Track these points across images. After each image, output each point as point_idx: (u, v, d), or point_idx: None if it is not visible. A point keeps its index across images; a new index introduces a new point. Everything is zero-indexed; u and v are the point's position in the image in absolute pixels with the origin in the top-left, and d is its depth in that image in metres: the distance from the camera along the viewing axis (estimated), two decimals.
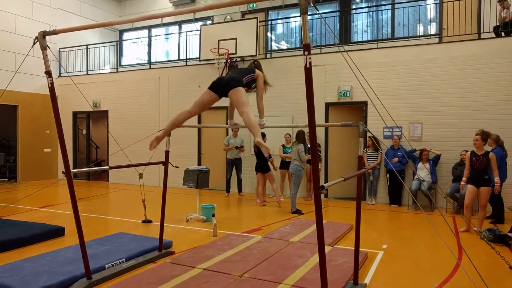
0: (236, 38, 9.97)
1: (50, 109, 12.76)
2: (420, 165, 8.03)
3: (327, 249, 4.97)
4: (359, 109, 9.13)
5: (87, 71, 12.77)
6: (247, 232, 6.05)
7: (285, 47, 11.81)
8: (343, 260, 4.53)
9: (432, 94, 8.33)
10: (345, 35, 10.85)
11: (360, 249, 4.96)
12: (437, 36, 9.65)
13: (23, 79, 12.00)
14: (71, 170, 3.75)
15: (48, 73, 3.56)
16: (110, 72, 12.69)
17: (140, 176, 5.85)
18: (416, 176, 8.01)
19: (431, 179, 7.87)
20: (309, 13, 11.87)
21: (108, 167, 4.61)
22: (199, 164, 10.61)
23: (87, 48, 12.77)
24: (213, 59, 10.05)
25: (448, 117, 8.20)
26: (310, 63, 2.55)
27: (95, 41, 13.59)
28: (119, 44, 13.90)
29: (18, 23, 11.83)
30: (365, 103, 8.89)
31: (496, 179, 5.92)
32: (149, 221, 6.66)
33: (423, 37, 9.83)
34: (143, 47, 13.93)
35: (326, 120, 9.30)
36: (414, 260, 4.77)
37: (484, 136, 6.03)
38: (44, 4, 12.58)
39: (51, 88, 3.60)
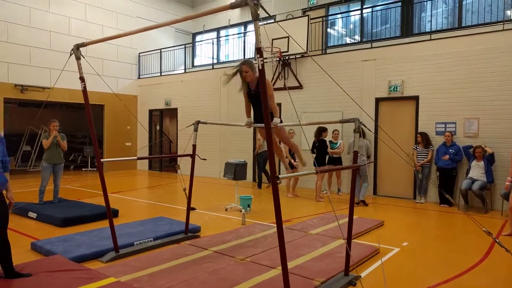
0: (288, 37, 10.21)
1: (130, 108, 14.41)
2: (474, 163, 7.49)
3: (340, 242, 5.08)
4: (410, 104, 8.74)
5: (161, 72, 14.09)
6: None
7: (341, 43, 11.70)
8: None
9: (492, 87, 7.67)
10: (406, 27, 10.41)
11: (373, 244, 5.04)
12: (510, 21, 8.76)
13: (108, 81, 13.70)
14: (101, 160, 4.46)
15: (81, 79, 4.28)
16: (179, 73, 13.80)
17: (178, 167, 6.52)
18: (469, 175, 7.51)
19: (486, 179, 7.30)
20: (357, 7, 11.55)
21: (136, 157, 5.29)
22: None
23: (160, 52, 14.08)
24: (267, 58, 10.43)
25: (509, 111, 7.50)
26: (262, 65, 2.82)
27: (170, 44, 14.93)
28: (191, 46, 15.05)
29: (105, 33, 13.52)
30: (416, 98, 8.51)
31: None
32: (193, 209, 7.33)
33: (495, 24, 8.95)
34: (211, 49, 14.90)
35: (376, 116, 9.09)
36: (426, 260, 4.65)
37: None
38: (125, 14, 14.18)
39: (84, 91, 4.31)
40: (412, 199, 8.51)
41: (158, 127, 14.52)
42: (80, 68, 4.30)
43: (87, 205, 7.16)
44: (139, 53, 14.67)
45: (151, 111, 14.46)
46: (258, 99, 3.97)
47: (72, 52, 4.24)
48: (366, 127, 4.05)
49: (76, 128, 15.91)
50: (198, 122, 5.44)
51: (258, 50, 2.77)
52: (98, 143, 14.31)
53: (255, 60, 4.29)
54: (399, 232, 5.89)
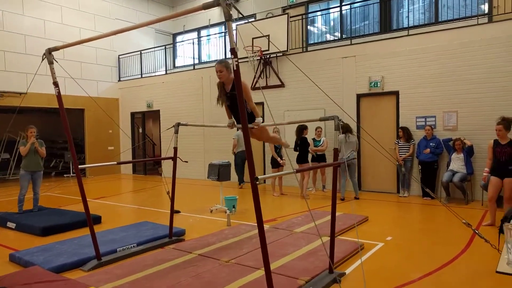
0: (268, 35, 10.19)
1: (112, 111, 14.20)
2: (454, 155, 7.61)
3: (324, 239, 5.08)
4: (391, 99, 8.81)
5: (141, 74, 13.91)
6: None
7: (322, 40, 11.73)
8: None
9: (469, 81, 7.81)
10: (385, 23, 10.50)
11: (357, 240, 5.06)
12: (487, 15, 8.92)
13: (88, 85, 13.49)
14: (79, 166, 4.36)
15: (55, 84, 4.17)
16: (160, 75, 13.65)
17: (160, 170, 6.44)
18: (449, 168, 7.63)
19: (466, 170, 7.43)
20: (336, 4, 11.53)
21: (115, 162, 5.21)
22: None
23: (140, 54, 13.90)
24: (247, 57, 10.39)
25: (486, 104, 7.64)
26: (237, 65, 2.78)
27: (151, 45, 14.75)
28: (171, 47, 14.90)
29: (82, 35, 13.27)
30: (396, 93, 8.61)
31: None
32: (178, 212, 7.25)
33: (470, 18, 9.08)
34: (192, 49, 14.79)
35: (358, 112, 9.16)
36: (410, 253, 4.70)
37: (507, 124, 5.62)
38: (104, 16, 13.94)
39: (58, 97, 4.20)
40: (395, 193, 8.61)
41: (140, 130, 14.34)
42: (53, 73, 4.18)
43: (68, 213, 7.01)
44: (119, 55, 14.45)
45: (133, 114, 14.28)
46: (234, 101, 3.90)
47: (44, 56, 4.13)
48: (345, 124, 4.05)
49: (57, 134, 15.59)
50: (179, 124, 5.38)
51: (232, 51, 2.74)
52: (79, 148, 14.01)
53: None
54: (383, 227, 5.94)
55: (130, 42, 14.52)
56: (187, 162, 5.89)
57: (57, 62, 4.23)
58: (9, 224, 6.38)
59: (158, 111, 13.33)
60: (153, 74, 13.98)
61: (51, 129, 15.31)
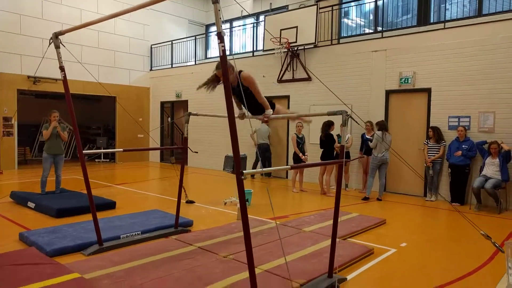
0: (296, 27, 9.90)
1: (142, 99, 14.46)
2: (488, 160, 7.04)
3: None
4: (422, 96, 8.28)
5: (172, 64, 14.02)
6: (272, 218, 6.15)
7: (355, 33, 11.25)
8: (338, 253, 4.37)
9: (510, 78, 7.16)
10: (421, 16, 9.88)
11: (369, 243, 4.78)
12: None
13: (121, 74, 13.81)
14: (84, 152, 4.36)
15: (61, 68, 4.17)
16: (190, 65, 13.67)
17: (172, 160, 6.41)
18: (482, 172, 7.07)
19: (501, 177, 6.84)
20: None
21: (122, 149, 5.19)
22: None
23: (172, 44, 14.00)
24: (274, 49, 10.15)
25: None
26: (223, 51, 2.61)
27: (183, 36, 14.82)
28: (202, 37, 14.91)
29: (117, 25, 13.55)
30: (428, 90, 8.07)
31: None
32: (192, 202, 7.22)
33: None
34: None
35: (386, 109, 8.71)
36: (422, 263, 4.34)
37: None
38: None
39: (64, 81, 4.21)
40: (422, 197, 8.11)
41: (169, 119, 14.49)
42: (59, 57, 4.19)
43: (84, 196, 7.11)
44: (151, 45, 14.64)
45: (162, 103, 14.45)
46: (245, 94, 3.64)
47: (51, 40, 4.14)
48: (354, 120, 3.80)
49: (91, 120, 16.11)
50: (189, 114, 5.29)
51: (219, 35, 2.57)
52: (111, 134, 14.43)
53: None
54: (401, 232, 5.58)
55: (163, 32, 14.70)
56: (197, 152, 5.81)
57: (64, 46, 4.25)
58: (29, 204, 6.59)
59: (186, 101, 13.39)
60: (184, 65, 14.05)
61: (86, 115, 15.81)
